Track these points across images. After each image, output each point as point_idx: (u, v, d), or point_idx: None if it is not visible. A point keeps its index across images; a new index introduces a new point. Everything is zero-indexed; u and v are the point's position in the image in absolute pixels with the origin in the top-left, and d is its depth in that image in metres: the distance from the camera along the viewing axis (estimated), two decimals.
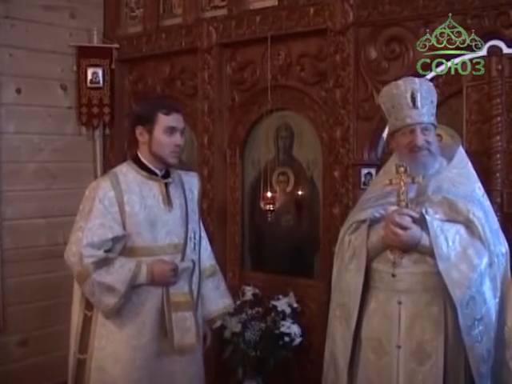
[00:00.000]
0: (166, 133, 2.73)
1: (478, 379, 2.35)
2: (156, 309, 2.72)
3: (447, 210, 2.44)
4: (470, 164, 2.59)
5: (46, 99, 4.21)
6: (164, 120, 2.73)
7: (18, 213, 4.06)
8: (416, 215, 2.41)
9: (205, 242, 3.05)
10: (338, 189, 3.42)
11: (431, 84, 2.61)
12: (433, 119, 2.53)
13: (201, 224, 3.03)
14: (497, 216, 2.83)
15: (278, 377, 3.56)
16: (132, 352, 2.68)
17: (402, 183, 2.43)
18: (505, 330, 1.90)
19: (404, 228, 2.38)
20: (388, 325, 2.49)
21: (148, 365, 2.71)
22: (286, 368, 3.55)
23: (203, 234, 3.05)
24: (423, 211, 2.43)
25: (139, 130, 2.78)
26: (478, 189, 2.53)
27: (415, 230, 2.39)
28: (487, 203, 2.53)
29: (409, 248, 2.44)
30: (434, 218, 2.42)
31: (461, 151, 2.63)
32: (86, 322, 2.74)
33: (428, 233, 2.39)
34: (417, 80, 2.54)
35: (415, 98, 2.47)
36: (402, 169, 2.43)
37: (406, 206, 2.43)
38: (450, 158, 2.59)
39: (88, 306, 2.73)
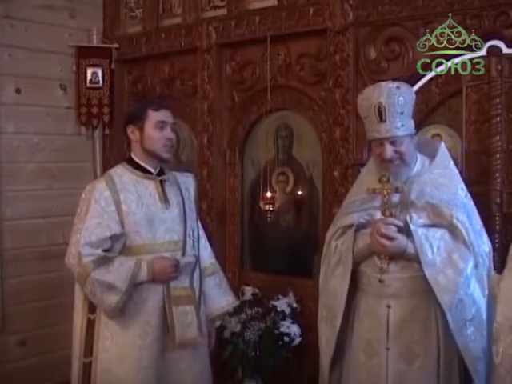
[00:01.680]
0: (157, 128, 2.76)
1: (477, 377, 2.36)
2: (159, 307, 2.73)
3: (431, 215, 2.45)
4: (452, 163, 2.59)
5: (45, 99, 4.21)
6: (154, 115, 2.77)
7: (18, 213, 4.05)
8: (401, 224, 2.44)
9: (204, 241, 3.07)
10: (338, 189, 3.42)
11: (404, 91, 2.47)
12: (403, 129, 2.44)
13: (199, 223, 3.05)
14: (496, 216, 2.85)
15: (277, 377, 3.55)
16: (138, 351, 2.69)
17: (386, 192, 2.45)
18: (494, 325, 1.92)
19: (390, 238, 2.41)
20: (377, 328, 2.52)
21: (154, 364, 2.71)
22: (286, 368, 3.55)
23: (201, 232, 3.07)
24: (407, 218, 2.45)
25: (130, 129, 2.82)
26: (461, 189, 2.53)
27: (401, 240, 2.42)
28: (470, 203, 2.53)
29: (395, 256, 2.47)
30: (418, 226, 2.44)
31: (443, 150, 2.61)
32: (90, 325, 2.74)
33: (413, 240, 2.41)
34: (384, 91, 2.44)
35: (381, 112, 2.42)
36: (385, 179, 2.46)
37: (391, 215, 2.46)
38: (433, 156, 2.58)
39: (91, 309, 2.74)
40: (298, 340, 3.48)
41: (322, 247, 3.55)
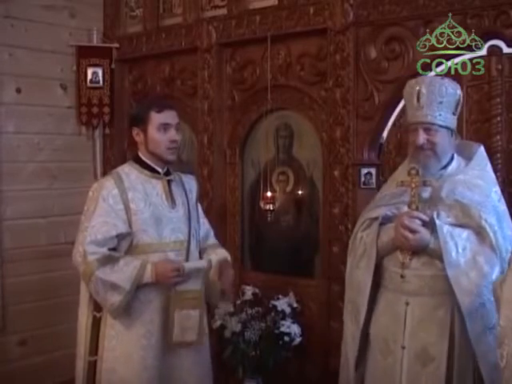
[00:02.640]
0: (160, 130, 2.76)
1: None
2: (163, 307, 2.73)
3: (460, 214, 2.42)
4: (489, 166, 2.57)
5: (45, 99, 4.21)
6: (156, 118, 2.76)
7: (18, 212, 4.05)
8: (426, 218, 2.41)
9: (211, 236, 3.08)
10: (338, 188, 3.42)
11: (448, 83, 2.50)
12: (440, 119, 2.45)
13: (202, 220, 3.06)
14: None
15: (277, 376, 3.55)
16: (142, 351, 2.69)
17: (414, 185, 2.44)
18: (497, 329, 1.90)
19: (413, 231, 2.39)
20: (394, 325, 2.49)
21: (158, 364, 2.72)
22: (286, 368, 3.55)
23: (208, 226, 3.08)
24: (434, 215, 2.42)
25: (135, 131, 2.82)
26: (495, 193, 2.49)
27: (424, 234, 2.40)
28: (503, 208, 2.50)
29: (418, 251, 2.44)
30: (444, 223, 2.40)
31: (481, 152, 2.59)
32: (95, 323, 2.73)
33: (437, 237, 2.38)
34: (426, 79, 2.52)
35: (420, 98, 2.46)
36: (414, 171, 2.44)
37: (417, 209, 2.44)
38: (470, 158, 2.56)
39: (97, 307, 2.73)
40: (298, 340, 3.47)
41: (323, 247, 3.58)
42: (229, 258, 2.98)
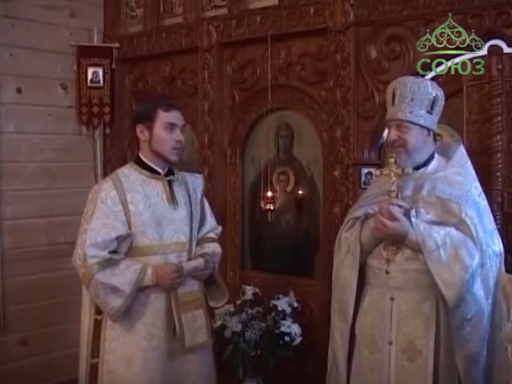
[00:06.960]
0: (167, 129, 2.73)
1: (467, 381, 2.35)
2: (166, 309, 2.71)
3: (440, 211, 2.45)
4: (469, 163, 2.60)
5: (46, 99, 4.22)
6: (164, 116, 2.73)
7: (18, 212, 4.05)
8: (406, 205, 2.44)
9: (213, 231, 3.06)
10: (339, 188, 3.42)
11: (421, 81, 2.56)
12: (411, 116, 2.49)
13: (212, 218, 3.05)
14: (497, 215, 2.85)
15: (278, 376, 3.55)
16: (143, 353, 2.67)
17: (393, 174, 2.46)
18: (508, 325, 1.91)
19: (393, 218, 2.40)
20: (380, 321, 2.52)
21: (160, 366, 2.70)
22: (287, 367, 3.55)
23: (214, 224, 3.06)
24: (413, 212, 2.45)
25: (140, 128, 2.77)
26: (475, 188, 2.53)
27: (403, 223, 2.42)
28: (483, 203, 2.53)
29: (397, 240, 2.46)
30: (424, 220, 2.43)
31: (461, 150, 2.63)
32: (97, 326, 2.72)
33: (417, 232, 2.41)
34: (402, 79, 2.57)
35: (394, 97, 2.53)
36: (392, 160, 2.47)
37: (396, 197, 2.46)
38: (450, 157, 2.60)
39: (98, 309, 2.71)
40: (298, 339, 3.47)
41: (323, 246, 3.58)
42: (216, 252, 2.92)
